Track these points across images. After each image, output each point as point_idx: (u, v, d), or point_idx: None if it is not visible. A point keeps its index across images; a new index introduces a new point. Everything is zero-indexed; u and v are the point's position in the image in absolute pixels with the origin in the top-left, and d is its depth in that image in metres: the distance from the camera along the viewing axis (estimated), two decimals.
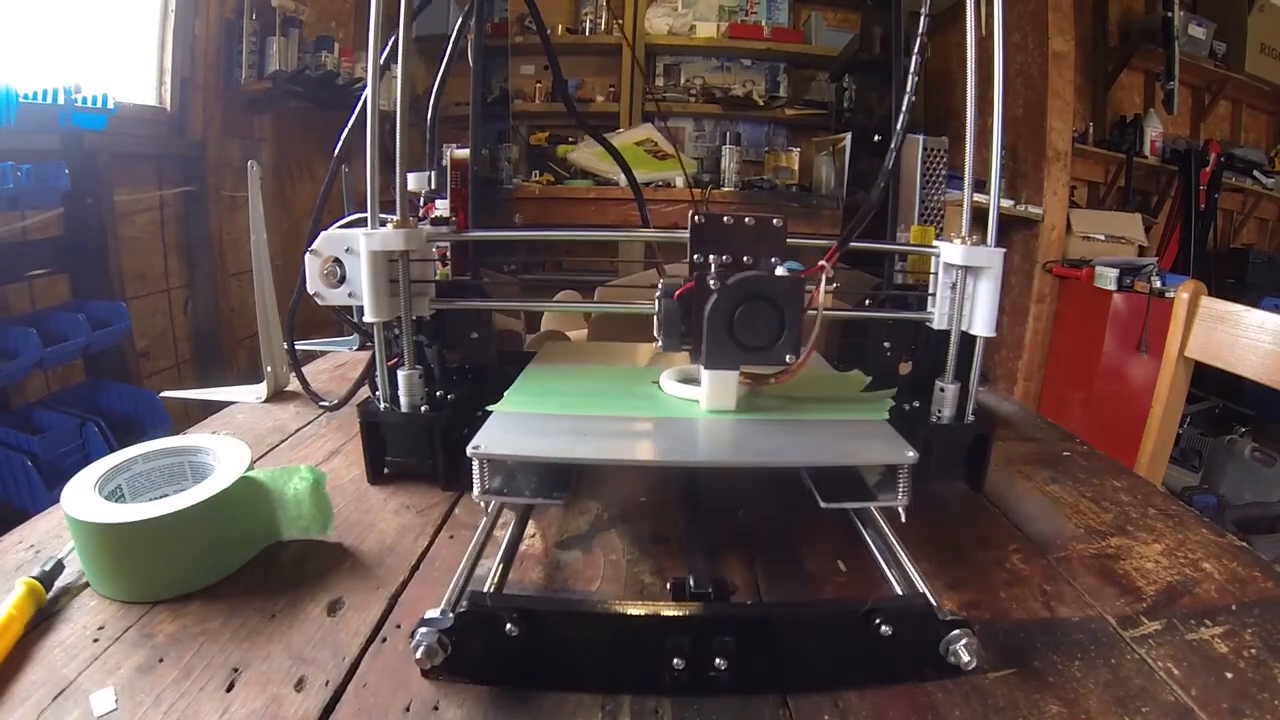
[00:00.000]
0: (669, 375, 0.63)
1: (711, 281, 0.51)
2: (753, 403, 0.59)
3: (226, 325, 2.13)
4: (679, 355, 0.58)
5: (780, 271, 0.54)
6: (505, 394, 0.60)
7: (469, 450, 0.48)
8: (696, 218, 0.54)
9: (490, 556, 0.49)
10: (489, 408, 0.56)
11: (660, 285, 0.54)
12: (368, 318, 0.59)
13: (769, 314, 0.51)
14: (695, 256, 0.54)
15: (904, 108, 0.56)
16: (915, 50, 0.56)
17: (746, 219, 0.54)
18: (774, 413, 0.58)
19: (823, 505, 0.50)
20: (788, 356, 0.52)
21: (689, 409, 0.58)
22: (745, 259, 0.54)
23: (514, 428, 0.54)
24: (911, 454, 0.49)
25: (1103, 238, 2.49)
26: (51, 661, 0.42)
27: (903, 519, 0.50)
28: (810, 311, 0.53)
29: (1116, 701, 0.41)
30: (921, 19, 0.57)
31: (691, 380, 0.60)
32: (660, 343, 0.55)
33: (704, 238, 0.54)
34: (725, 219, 0.54)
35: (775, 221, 0.54)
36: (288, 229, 2.27)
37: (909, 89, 0.56)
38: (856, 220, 0.57)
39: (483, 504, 0.50)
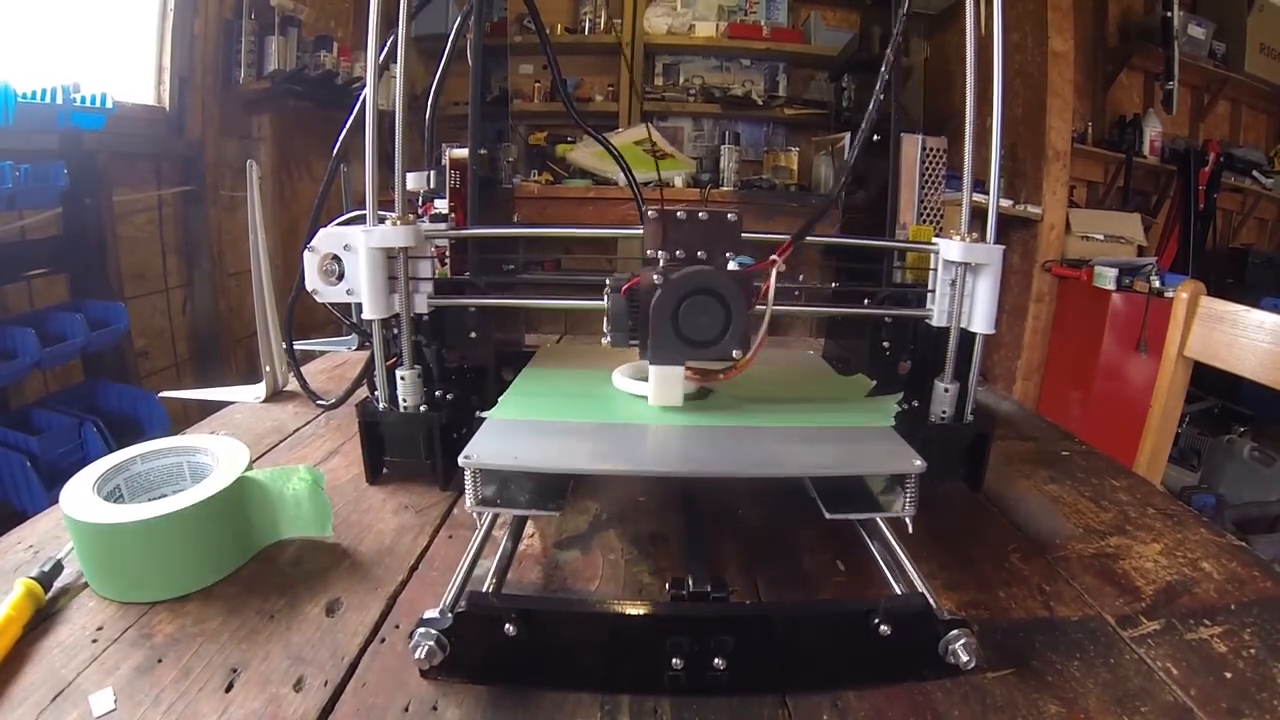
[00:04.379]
0: (622, 371, 0.62)
1: (656, 276, 0.51)
2: (756, 408, 0.58)
3: (225, 325, 2.13)
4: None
5: (732, 266, 0.53)
6: (500, 399, 0.59)
7: (460, 460, 0.47)
8: (650, 213, 0.53)
9: (489, 556, 0.49)
10: (482, 414, 0.56)
11: (608, 281, 0.54)
12: (366, 314, 0.59)
13: (714, 308, 0.51)
14: (649, 252, 0.54)
15: (872, 106, 0.56)
16: (889, 49, 0.56)
17: (701, 214, 0.54)
18: (778, 418, 0.57)
19: (828, 516, 0.49)
20: (734, 351, 0.52)
21: (691, 414, 0.57)
22: (699, 254, 0.53)
23: (507, 435, 0.53)
24: (919, 463, 0.48)
25: (1102, 237, 2.49)
26: (50, 662, 0.42)
27: (909, 530, 0.49)
28: (760, 307, 0.53)
29: (1115, 701, 0.41)
30: (899, 19, 0.57)
31: (643, 376, 0.59)
32: (608, 338, 0.54)
33: (658, 233, 0.54)
34: (679, 214, 0.53)
35: (730, 216, 0.54)
36: (286, 228, 2.27)
37: (877, 89, 0.55)
38: (813, 215, 0.56)
39: (475, 515, 0.50)
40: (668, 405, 0.56)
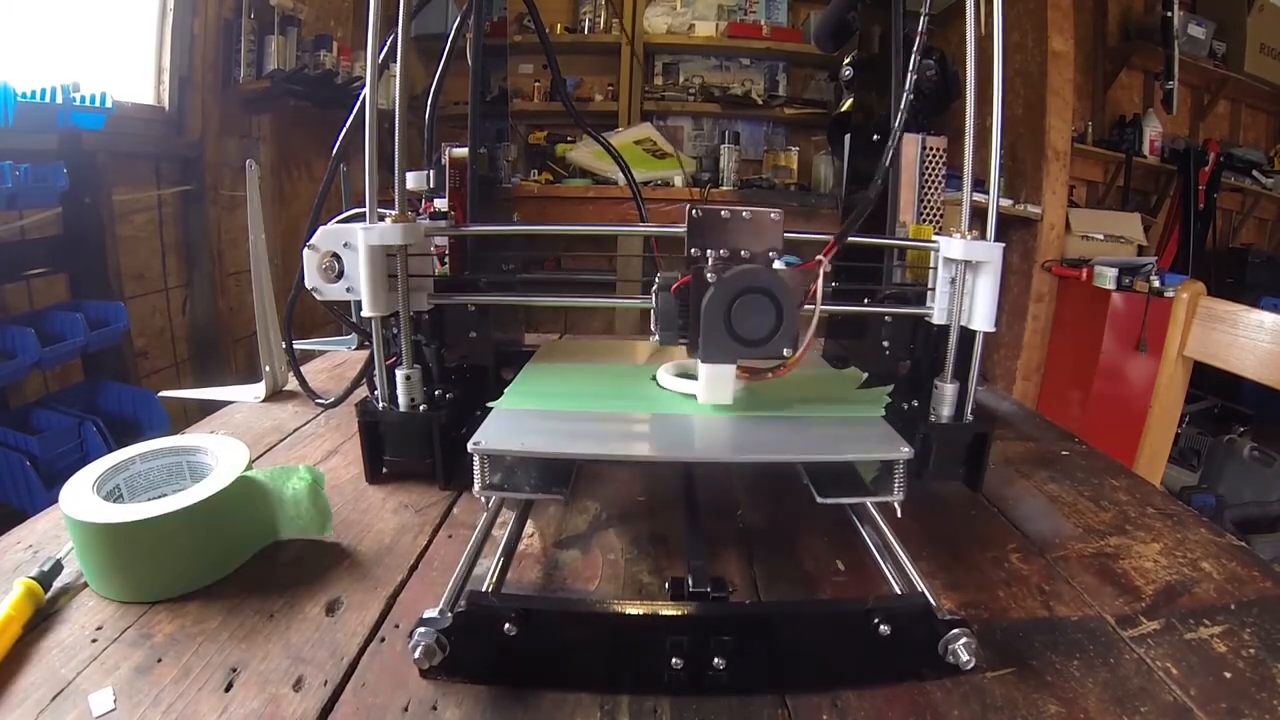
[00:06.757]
0: (667, 370, 0.63)
1: (709, 275, 0.51)
2: (749, 400, 0.59)
3: (225, 325, 2.13)
4: (678, 350, 0.58)
5: (778, 265, 0.54)
6: (506, 390, 0.60)
7: (470, 446, 0.48)
8: (694, 211, 0.54)
9: (489, 556, 0.49)
10: (489, 404, 0.57)
11: (657, 279, 0.54)
12: (365, 312, 0.59)
13: (766, 307, 0.51)
14: (692, 251, 0.54)
15: (903, 105, 0.56)
16: (915, 49, 0.56)
17: (744, 213, 0.54)
18: (770, 409, 0.58)
19: (819, 501, 0.50)
20: (785, 350, 0.52)
21: (686, 405, 0.58)
22: (743, 253, 0.54)
23: (514, 424, 0.54)
24: (907, 449, 0.49)
25: (1102, 237, 2.49)
26: (50, 662, 0.41)
27: (898, 514, 0.50)
28: (808, 306, 0.53)
29: (1115, 701, 0.41)
30: (921, 18, 0.57)
31: (689, 375, 0.60)
32: (657, 337, 0.55)
33: (701, 232, 0.54)
34: (723, 213, 0.54)
35: (773, 215, 0.54)
36: (286, 228, 2.27)
37: (908, 87, 0.56)
38: (855, 215, 0.57)
39: (482, 500, 0.50)
40: (718, 403, 0.56)
